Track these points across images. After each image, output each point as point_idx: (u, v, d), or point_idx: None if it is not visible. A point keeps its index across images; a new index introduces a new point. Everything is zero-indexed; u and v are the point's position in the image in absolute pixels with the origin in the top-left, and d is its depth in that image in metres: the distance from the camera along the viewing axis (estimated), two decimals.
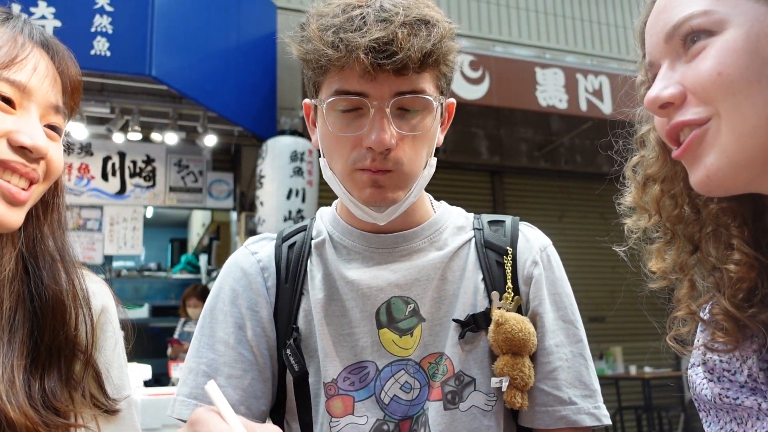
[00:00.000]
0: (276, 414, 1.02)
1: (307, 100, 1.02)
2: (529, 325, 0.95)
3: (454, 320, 0.97)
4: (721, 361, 0.71)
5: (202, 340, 1.01)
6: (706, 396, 0.72)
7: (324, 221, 1.08)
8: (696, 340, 0.76)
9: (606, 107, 5.84)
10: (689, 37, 0.65)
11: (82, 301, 0.85)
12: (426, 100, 0.92)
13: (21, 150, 0.75)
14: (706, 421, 0.74)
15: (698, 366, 0.75)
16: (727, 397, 0.69)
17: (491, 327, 0.95)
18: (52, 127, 0.81)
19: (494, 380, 0.94)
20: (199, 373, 0.98)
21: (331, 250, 1.03)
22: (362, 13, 0.88)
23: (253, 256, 1.05)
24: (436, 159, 1.01)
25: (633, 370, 6.46)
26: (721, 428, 0.71)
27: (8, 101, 0.75)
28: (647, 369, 6.45)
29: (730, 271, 0.69)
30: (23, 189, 0.76)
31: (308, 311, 1.00)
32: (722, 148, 0.63)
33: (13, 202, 0.75)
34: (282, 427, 1.01)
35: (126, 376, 0.92)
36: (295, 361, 0.97)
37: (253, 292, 1.02)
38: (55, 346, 0.81)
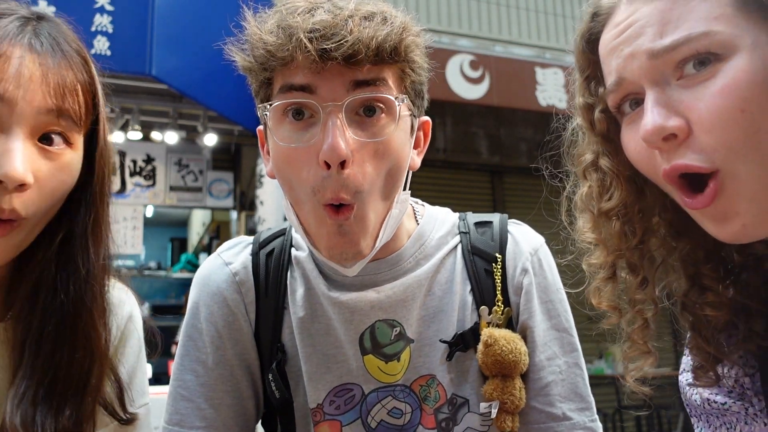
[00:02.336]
0: (268, 425, 0.98)
1: (260, 127, 0.91)
2: (520, 344, 0.88)
3: (441, 341, 0.90)
4: None
5: (181, 361, 0.94)
6: (695, 401, 0.72)
7: None
8: (686, 345, 0.75)
9: None
10: (691, 62, 0.58)
11: (104, 317, 0.80)
12: (385, 98, 0.78)
13: None
14: (698, 427, 0.74)
15: (687, 372, 0.74)
16: (715, 402, 0.69)
17: (480, 347, 0.88)
18: (47, 138, 0.71)
19: (483, 405, 0.88)
20: (178, 397, 0.91)
21: (312, 266, 0.93)
22: (309, 7, 0.77)
23: (228, 267, 0.95)
24: (409, 193, 0.87)
25: None
26: None
27: None
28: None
29: (707, 314, 0.66)
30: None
31: (292, 328, 0.92)
32: (752, 196, 0.57)
33: None
34: None
35: (146, 383, 0.91)
36: (277, 387, 0.90)
37: (230, 309, 0.93)
38: (74, 365, 0.77)
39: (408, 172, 0.87)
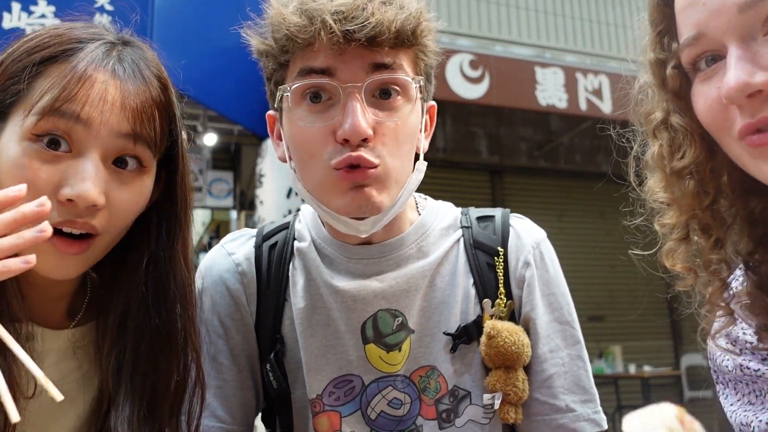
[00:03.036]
0: (267, 420, 0.99)
1: (270, 112, 0.93)
2: (522, 336, 0.89)
3: (445, 333, 0.91)
4: (744, 333, 0.69)
5: None
6: (726, 367, 0.70)
7: (307, 222, 0.99)
8: (716, 312, 0.72)
9: (606, 106, 5.84)
10: None
11: (192, 344, 0.83)
12: (403, 80, 0.81)
13: (70, 202, 0.69)
14: (723, 394, 0.72)
15: (721, 337, 0.72)
16: (748, 368, 0.67)
17: (482, 340, 0.89)
18: (121, 161, 0.73)
19: (486, 396, 0.89)
20: None
21: (314, 256, 0.94)
22: None
23: (231, 257, 0.97)
24: (426, 163, 0.91)
25: (632, 369, 6.45)
26: (738, 400, 0.70)
27: (56, 142, 0.69)
28: (646, 368, 6.44)
29: None
30: (76, 240, 0.70)
31: (293, 319, 0.93)
32: None
33: (65, 251, 0.70)
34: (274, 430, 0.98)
35: None
36: (275, 377, 0.91)
37: (232, 299, 0.94)
38: (171, 385, 0.80)
39: (421, 146, 0.90)
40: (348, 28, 0.75)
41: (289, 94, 0.83)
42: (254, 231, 1.01)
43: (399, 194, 0.85)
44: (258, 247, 0.97)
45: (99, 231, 0.72)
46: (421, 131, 0.89)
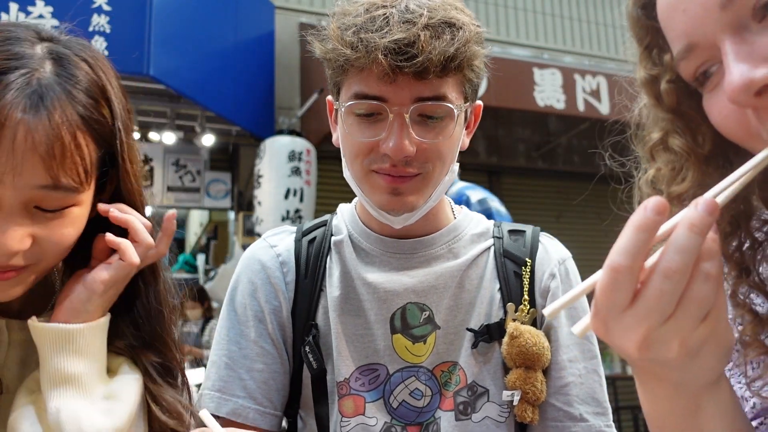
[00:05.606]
0: (290, 409, 1.01)
1: (329, 97, 1.00)
2: (543, 339, 0.94)
3: (468, 329, 0.96)
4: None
5: (223, 332, 1.00)
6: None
7: (344, 218, 1.06)
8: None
9: (603, 107, 5.84)
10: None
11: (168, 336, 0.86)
12: (447, 107, 0.89)
13: None
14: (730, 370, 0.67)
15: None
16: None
17: (505, 339, 0.94)
18: (42, 207, 0.68)
19: (506, 393, 0.93)
20: (221, 365, 0.98)
21: (350, 249, 1.01)
22: (385, 13, 0.85)
23: (272, 249, 1.04)
24: (458, 164, 0.98)
25: (630, 369, 6.46)
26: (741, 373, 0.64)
27: None
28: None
29: None
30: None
31: (327, 308, 0.99)
32: None
33: None
34: (295, 423, 1.01)
35: None
36: (314, 358, 0.96)
37: (272, 286, 1.00)
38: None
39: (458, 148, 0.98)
40: (397, 63, 0.82)
41: (343, 108, 0.91)
42: (294, 228, 1.08)
43: (432, 192, 0.94)
44: (298, 241, 1.04)
45: (26, 264, 0.70)
46: (463, 133, 0.98)
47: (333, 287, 0.99)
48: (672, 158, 0.64)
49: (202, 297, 5.45)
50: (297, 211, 4.96)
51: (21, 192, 0.66)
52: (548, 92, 5.70)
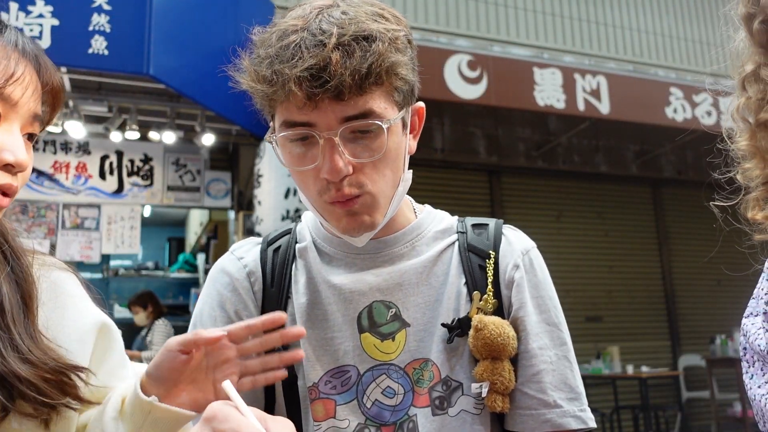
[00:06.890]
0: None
1: (267, 135, 1.00)
2: (508, 329, 0.94)
3: (442, 325, 0.96)
4: None
5: None
6: (759, 346, 0.69)
7: (308, 225, 1.07)
8: (759, 289, 0.73)
9: (604, 107, 5.85)
10: None
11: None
12: (374, 124, 0.87)
13: (6, 167, 0.78)
14: (748, 373, 0.72)
15: (757, 316, 0.72)
16: None
17: (470, 332, 0.95)
18: (30, 136, 0.84)
19: (474, 386, 0.94)
20: None
21: (314, 254, 1.03)
22: (296, 40, 0.83)
23: (239, 261, 1.05)
24: (411, 171, 0.98)
25: (630, 369, 6.47)
26: (766, 381, 0.69)
27: None
28: (644, 368, 6.46)
29: None
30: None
31: (294, 316, 0.99)
32: None
33: None
34: None
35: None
36: (284, 366, 0.96)
37: (241, 296, 1.01)
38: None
39: (406, 155, 0.96)
40: (313, 91, 0.82)
41: (276, 140, 0.92)
42: (260, 239, 1.09)
43: (388, 206, 0.94)
44: (263, 251, 1.06)
45: (17, 189, 0.82)
46: (406, 139, 0.95)
47: (299, 294, 1.00)
48: (762, 88, 0.70)
49: (145, 301, 5.65)
50: (297, 210, 4.96)
51: (23, 120, 0.80)
52: (548, 92, 5.71)
